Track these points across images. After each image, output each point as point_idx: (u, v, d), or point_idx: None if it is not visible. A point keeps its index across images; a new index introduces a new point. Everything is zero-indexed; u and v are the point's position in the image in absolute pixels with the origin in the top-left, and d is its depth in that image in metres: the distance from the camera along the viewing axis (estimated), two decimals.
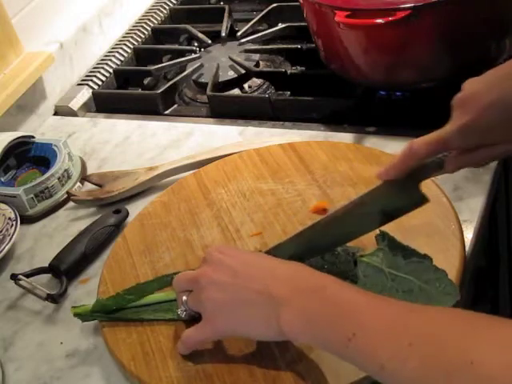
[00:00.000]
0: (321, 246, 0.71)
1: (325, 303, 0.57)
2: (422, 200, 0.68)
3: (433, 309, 0.55)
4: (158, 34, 1.34)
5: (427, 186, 0.79)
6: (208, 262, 0.66)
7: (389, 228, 0.72)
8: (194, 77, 1.16)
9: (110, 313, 0.73)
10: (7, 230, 0.88)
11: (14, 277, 0.82)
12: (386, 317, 0.53)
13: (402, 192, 0.68)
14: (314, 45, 1.03)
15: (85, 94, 1.18)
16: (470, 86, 0.65)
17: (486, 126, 0.63)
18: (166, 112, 1.13)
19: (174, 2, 1.41)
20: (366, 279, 0.68)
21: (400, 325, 0.52)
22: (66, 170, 0.97)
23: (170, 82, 1.15)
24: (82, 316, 0.74)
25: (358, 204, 0.69)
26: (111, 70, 1.24)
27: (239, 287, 0.62)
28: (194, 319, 0.67)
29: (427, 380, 0.48)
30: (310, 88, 1.06)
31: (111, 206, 0.92)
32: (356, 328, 0.54)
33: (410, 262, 0.68)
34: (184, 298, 0.67)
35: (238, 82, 1.13)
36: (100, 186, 0.96)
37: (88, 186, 0.98)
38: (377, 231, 0.72)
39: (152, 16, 1.36)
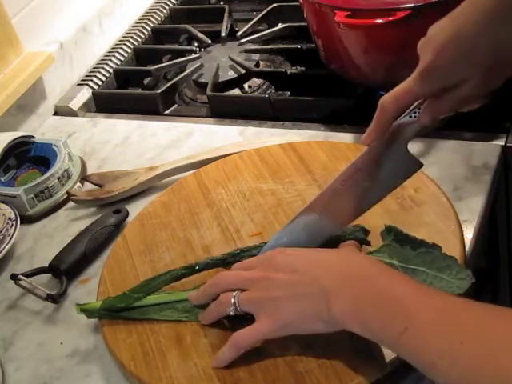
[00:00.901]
0: (325, 228, 0.70)
1: (376, 294, 0.57)
2: (415, 163, 0.68)
3: (484, 307, 0.54)
4: (158, 34, 1.34)
5: (427, 186, 0.79)
6: (262, 262, 0.66)
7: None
8: (194, 77, 1.16)
9: (117, 312, 0.73)
10: (7, 230, 0.88)
11: (13, 277, 0.82)
12: (438, 312, 0.53)
13: (390, 157, 0.68)
14: (314, 45, 1.03)
15: (85, 94, 1.18)
16: (431, 29, 0.65)
17: (444, 66, 0.62)
18: (166, 112, 1.13)
19: (174, 1, 1.41)
20: None
21: (452, 321, 0.52)
22: (66, 170, 0.97)
23: (170, 82, 1.15)
24: (90, 312, 0.74)
25: (353, 172, 0.69)
26: (111, 70, 1.24)
27: (291, 282, 0.62)
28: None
29: (476, 381, 0.48)
30: (310, 88, 1.06)
31: (111, 205, 0.92)
32: (408, 322, 0.53)
33: (419, 252, 0.68)
34: (234, 298, 0.65)
35: (238, 82, 1.13)
36: (100, 185, 0.96)
37: (88, 185, 0.98)
38: (382, 227, 0.72)
39: (152, 16, 1.36)
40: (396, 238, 0.70)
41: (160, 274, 0.75)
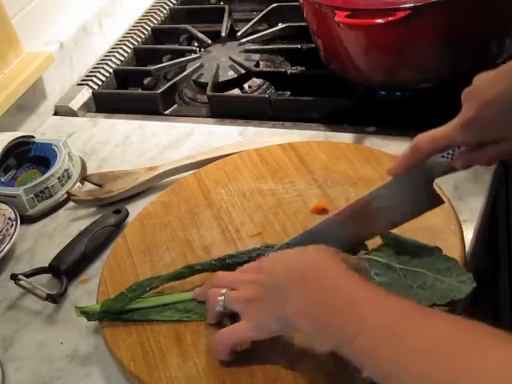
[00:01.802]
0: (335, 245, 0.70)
1: (331, 296, 0.57)
2: (437, 200, 0.68)
3: (436, 314, 0.54)
4: (158, 34, 1.34)
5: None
6: (260, 267, 0.66)
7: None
8: (194, 77, 1.16)
9: (118, 314, 0.73)
10: (7, 230, 0.88)
11: (14, 277, 0.82)
12: (394, 320, 0.52)
13: (414, 190, 0.68)
14: (314, 45, 1.03)
15: (85, 94, 1.18)
16: (478, 79, 0.64)
17: (488, 121, 0.62)
18: (166, 112, 1.13)
19: (174, 1, 1.41)
20: (377, 277, 0.68)
21: (408, 331, 0.51)
22: (66, 170, 0.97)
23: (170, 82, 1.15)
24: (89, 315, 0.74)
25: (371, 199, 0.69)
26: (111, 70, 1.24)
27: (265, 282, 0.63)
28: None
29: None
30: (310, 88, 1.06)
31: (111, 205, 0.92)
32: (361, 327, 0.53)
33: (419, 255, 0.68)
34: (222, 296, 0.66)
35: (238, 82, 1.13)
36: (100, 186, 0.96)
37: (88, 185, 0.98)
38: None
39: (152, 16, 1.36)
40: (396, 241, 0.70)
41: (159, 276, 0.75)
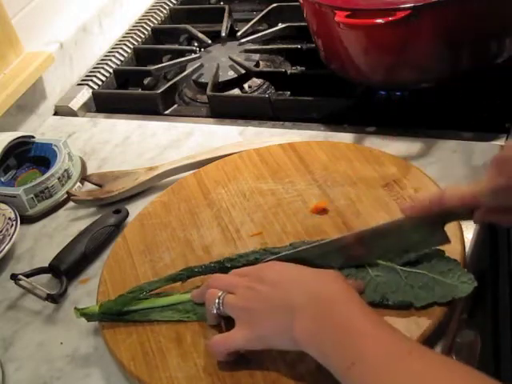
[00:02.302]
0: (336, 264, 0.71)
1: (335, 322, 0.58)
2: (444, 241, 0.68)
3: (433, 356, 0.55)
4: (158, 34, 1.34)
5: (427, 186, 0.79)
6: (253, 273, 0.66)
7: None
8: (194, 77, 1.16)
9: (118, 315, 0.73)
10: (7, 229, 0.88)
11: (14, 277, 0.82)
12: (388, 353, 0.54)
13: (425, 229, 0.68)
14: (314, 45, 1.03)
15: (85, 94, 1.18)
16: (510, 148, 0.65)
17: None
18: (166, 112, 1.13)
19: (174, 1, 1.41)
20: (378, 279, 0.68)
21: (397, 368, 0.53)
22: (66, 170, 0.97)
23: (170, 82, 1.15)
24: (89, 316, 0.74)
25: (379, 232, 0.69)
26: (111, 70, 1.24)
27: (268, 296, 0.63)
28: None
29: None
30: (310, 88, 1.06)
31: (111, 205, 0.92)
32: (355, 358, 0.55)
33: (421, 256, 0.68)
34: (218, 298, 0.66)
35: (238, 82, 1.13)
36: (100, 186, 0.96)
37: (88, 185, 0.98)
38: None
39: (152, 16, 1.36)
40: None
41: (158, 279, 0.75)
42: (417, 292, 0.65)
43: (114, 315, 0.73)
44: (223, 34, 1.26)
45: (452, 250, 0.70)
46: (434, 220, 0.67)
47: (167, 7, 1.39)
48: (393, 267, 0.68)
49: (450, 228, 0.72)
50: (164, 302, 0.73)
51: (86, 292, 0.82)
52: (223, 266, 0.74)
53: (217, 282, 0.69)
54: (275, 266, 0.68)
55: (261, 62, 1.18)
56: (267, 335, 0.62)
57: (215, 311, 0.66)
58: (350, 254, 0.70)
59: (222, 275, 0.70)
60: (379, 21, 0.84)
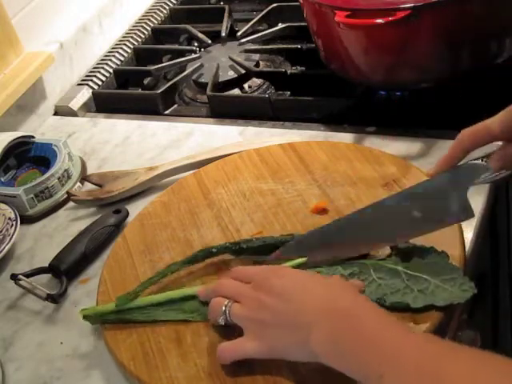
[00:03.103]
0: (355, 241, 0.71)
1: (356, 335, 0.57)
2: (468, 211, 0.67)
3: (466, 353, 0.53)
4: (158, 34, 1.34)
5: None
6: (257, 280, 0.65)
7: None
8: (194, 77, 1.16)
9: (120, 314, 0.73)
10: (7, 229, 0.88)
11: (14, 277, 0.82)
12: (417, 360, 0.53)
13: (449, 196, 0.67)
14: (314, 45, 1.03)
15: (85, 94, 1.18)
16: None
17: None
18: (166, 112, 1.13)
19: (174, 1, 1.41)
20: (380, 281, 0.68)
21: (434, 369, 0.51)
22: (66, 170, 0.98)
23: (170, 82, 1.15)
24: (93, 319, 0.74)
25: (404, 197, 0.69)
26: (111, 70, 1.24)
27: (279, 310, 0.62)
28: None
29: None
30: (310, 88, 1.06)
31: (111, 205, 0.92)
32: (385, 368, 0.53)
33: (425, 262, 0.68)
34: (225, 307, 0.65)
35: (238, 82, 1.13)
36: (100, 186, 0.96)
37: (88, 185, 0.98)
38: None
39: (152, 16, 1.36)
40: (404, 246, 0.70)
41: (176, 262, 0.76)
42: (415, 295, 0.65)
43: (119, 315, 0.72)
44: (223, 34, 1.26)
45: (452, 250, 0.70)
46: (457, 183, 0.66)
47: (167, 7, 1.39)
48: (396, 270, 0.68)
49: (450, 229, 0.73)
50: (169, 296, 0.73)
51: (86, 292, 0.82)
52: (239, 248, 0.75)
53: (222, 289, 0.68)
54: (282, 273, 0.67)
55: (261, 62, 1.18)
56: (280, 348, 0.62)
57: (222, 322, 0.66)
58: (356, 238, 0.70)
59: (229, 282, 0.69)
60: (379, 21, 0.84)
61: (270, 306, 0.62)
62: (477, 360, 0.52)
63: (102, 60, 1.26)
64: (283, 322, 0.61)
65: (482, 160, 0.67)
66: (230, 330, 0.67)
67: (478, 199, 0.80)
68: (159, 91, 1.13)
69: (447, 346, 0.55)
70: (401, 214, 0.69)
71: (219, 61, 1.17)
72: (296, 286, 0.64)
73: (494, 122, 0.65)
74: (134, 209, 0.91)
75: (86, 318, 0.74)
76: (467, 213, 0.67)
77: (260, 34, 1.22)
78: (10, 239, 0.87)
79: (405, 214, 0.69)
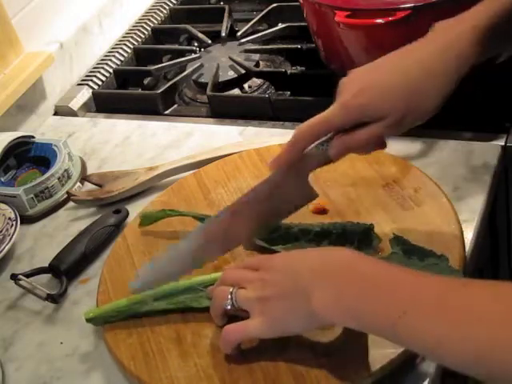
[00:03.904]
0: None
1: (364, 281, 0.57)
2: (312, 194, 0.71)
3: (484, 284, 0.53)
4: (158, 34, 1.34)
5: (427, 186, 0.79)
6: (266, 265, 0.65)
7: (390, 229, 0.72)
8: (194, 77, 1.16)
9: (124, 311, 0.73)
10: (7, 229, 0.88)
11: (14, 277, 0.82)
12: (437, 291, 0.53)
13: (291, 183, 0.70)
14: (314, 45, 1.03)
15: (85, 94, 1.18)
16: (347, 76, 0.70)
17: (360, 103, 0.66)
18: (166, 112, 1.13)
19: (174, 1, 1.41)
20: None
21: (456, 301, 0.51)
22: (66, 170, 0.98)
23: (170, 82, 1.15)
24: (96, 320, 0.74)
25: (253, 195, 0.71)
26: (111, 70, 1.24)
27: (277, 281, 0.62)
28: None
29: (493, 357, 0.48)
30: (310, 88, 1.06)
31: (111, 205, 0.92)
32: (406, 305, 0.53)
33: (425, 264, 0.68)
34: (231, 294, 0.65)
35: (238, 82, 1.13)
36: (100, 186, 0.96)
37: (88, 185, 0.98)
38: (382, 227, 0.72)
39: (152, 16, 1.36)
40: (403, 247, 0.70)
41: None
42: None
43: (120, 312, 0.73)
44: (223, 34, 1.26)
45: (452, 250, 0.70)
46: (297, 172, 0.69)
47: (167, 7, 1.39)
48: None
49: (450, 229, 0.73)
50: (195, 281, 0.73)
51: (86, 292, 0.82)
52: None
53: (227, 278, 0.68)
54: (286, 254, 0.68)
55: (261, 62, 1.18)
56: (284, 320, 0.61)
57: (229, 307, 0.65)
58: (228, 231, 0.71)
59: (231, 270, 0.69)
60: (379, 21, 0.84)
61: (271, 281, 0.63)
62: (499, 289, 0.51)
63: (102, 60, 1.26)
64: (283, 293, 0.61)
65: (320, 146, 0.69)
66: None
67: (478, 199, 0.80)
68: (159, 91, 1.13)
69: (464, 280, 0.55)
70: (252, 210, 0.72)
71: (219, 61, 1.17)
72: (293, 258, 0.65)
73: (331, 113, 0.68)
74: (134, 209, 0.91)
75: (89, 320, 0.74)
76: (311, 195, 0.72)
77: (260, 34, 1.22)
78: (10, 239, 0.87)
79: (255, 209, 0.72)
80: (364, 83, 0.67)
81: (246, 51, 1.19)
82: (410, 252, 0.69)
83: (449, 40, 0.68)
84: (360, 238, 0.73)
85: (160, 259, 0.74)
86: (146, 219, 0.84)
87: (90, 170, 1.01)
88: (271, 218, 0.73)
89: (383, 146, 0.70)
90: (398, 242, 0.70)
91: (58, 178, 0.96)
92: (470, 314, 0.50)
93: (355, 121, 0.67)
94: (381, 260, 0.60)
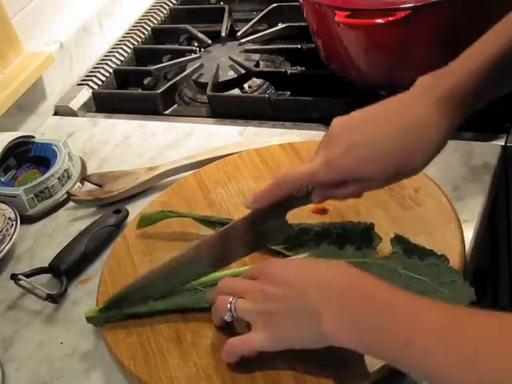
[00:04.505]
0: (188, 274, 0.73)
1: (371, 306, 0.56)
2: (288, 229, 0.71)
3: (488, 313, 0.53)
4: (158, 34, 1.34)
5: (427, 186, 0.79)
6: (265, 275, 0.65)
7: (390, 229, 0.72)
8: (194, 77, 1.16)
9: (123, 308, 0.73)
10: (7, 230, 0.88)
11: (14, 277, 0.82)
12: (442, 320, 0.53)
13: (269, 220, 0.70)
14: (314, 45, 1.03)
15: (85, 94, 1.18)
16: (337, 126, 0.69)
17: (351, 164, 0.65)
18: (166, 112, 1.13)
19: (174, 1, 1.41)
20: None
21: (461, 330, 0.51)
22: (66, 170, 0.98)
23: (170, 82, 1.15)
24: (96, 321, 0.74)
25: (228, 230, 0.72)
26: (111, 70, 1.24)
27: (283, 297, 0.61)
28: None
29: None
30: (310, 88, 1.06)
31: (111, 205, 0.92)
32: (412, 333, 0.53)
33: (426, 263, 0.68)
34: (230, 304, 0.65)
35: (238, 82, 1.13)
36: (100, 186, 0.96)
37: (88, 185, 0.98)
38: (382, 227, 0.72)
39: (152, 16, 1.36)
40: (404, 247, 0.70)
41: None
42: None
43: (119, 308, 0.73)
44: (223, 34, 1.26)
45: (452, 250, 0.70)
46: (277, 209, 0.69)
47: (167, 7, 1.39)
48: (395, 270, 0.68)
49: (450, 229, 0.73)
50: (218, 275, 0.73)
51: (86, 292, 0.82)
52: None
53: (225, 287, 0.67)
54: (284, 263, 0.67)
55: (261, 62, 1.18)
56: (288, 336, 0.61)
57: (229, 318, 0.65)
58: (217, 255, 0.72)
59: (230, 279, 0.69)
60: (379, 21, 0.84)
61: (275, 296, 0.62)
62: (505, 320, 0.51)
63: (102, 60, 1.26)
64: (290, 309, 0.61)
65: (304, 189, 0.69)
66: (231, 330, 0.67)
67: (477, 199, 0.80)
68: (159, 91, 1.13)
69: (467, 309, 0.54)
70: (228, 243, 0.73)
71: (219, 61, 1.17)
72: (298, 272, 0.63)
73: (316, 170, 0.66)
74: (134, 209, 0.91)
75: (90, 321, 0.74)
76: (289, 230, 0.72)
77: (260, 34, 1.22)
78: (10, 239, 0.87)
79: (231, 242, 0.73)
80: (354, 139, 0.65)
81: (246, 51, 1.19)
82: (410, 251, 0.69)
83: (442, 92, 0.66)
84: (360, 237, 0.73)
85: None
86: (145, 221, 0.83)
87: (90, 170, 1.01)
88: (242, 252, 0.73)
89: (359, 196, 0.70)
90: (398, 242, 0.70)
91: (58, 178, 0.96)
92: (474, 345, 0.50)
93: (340, 180, 0.66)
94: (388, 284, 0.59)
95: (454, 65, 0.67)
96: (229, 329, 0.68)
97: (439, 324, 0.52)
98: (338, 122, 0.69)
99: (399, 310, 0.55)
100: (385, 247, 0.72)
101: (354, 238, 0.73)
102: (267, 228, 0.71)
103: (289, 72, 1.10)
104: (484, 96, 0.67)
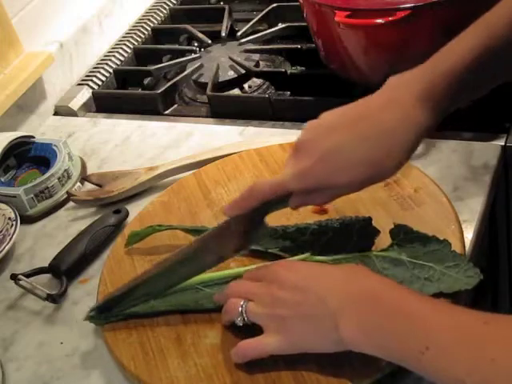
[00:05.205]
0: (175, 279, 0.73)
1: (389, 312, 0.56)
2: (264, 229, 0.71)
3: (505, 318, 0.52)
4: (158, 34, 1.34)
5: (427, 186, 0.79)
6: (272, 278, 0.65)
7: (389, 228, 0.72)
8: (194, 77, 1.16)
9: (123, 308, 0.73)
10: (7, 230, 0.88)
11: (13, 277, 0.82)
12: (460, 328, 0.52)
13: (248, 225, 0.70)
14: (313, 45, 1.03)
15: (85, 94, 1.18)
16: (309, 131, 0.67)
17: (318, 173, 0.65)
18: (166, 112, 1.13)
19: (174, 1, 1.41)
20: (385, 271, 0.68)
21: (478, 337, 0.51)
22: (65, 170, 0.97)
23: (170, 82, 1.15)
24: (97, 320, 0.74)
25: (209, 237, 0.72)
26: (111, 70, 1.24)
27: (296, 302, 0.61)
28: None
29: None
30: (310, 88, 1.06)
31: (111, 205, 0.92)
32: (429, 341, 0.53)
33: (428, 250, 0.68)
34: (241, 307, 0.65)
35: (237, 82, 1.13)
36: (100, 186, 0.96)
37: (88, 185, 0.98)
38: (382, 227, 0.72)
39: (152, 16, 1.36)
40: (405, 235, 0.70)
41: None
42: (423, 283, 0.65)
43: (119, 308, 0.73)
44: (223, 34, 1.26)
45: None
46: (254, 215, 0.69)
47: (167, 7, 1.39)
48: (400, 259, 0.68)
49: (450, 229, 0.73)
50: (225, 274, 0.73)
51: (86, 292, 0.82)
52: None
53: (234, 290, 0.67)
54: (289, 266, 0.67)
55: (261, 62, 1.18)
56: (303, 341, 0.61)
57: (241, 322, 0.65)
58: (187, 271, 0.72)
59: (239, 283, 0.69)
60: (379, 21, 0.84)
61: (285, 300, 0.62)
62: None
63: (102, 60, 1.26)
64: (304, 314, 0.60)
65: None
66: (234, 331, 0.67)
67: (477, 199, 0.80)
68: (159, 91, 1.13)
69: (486, 316, 0.53)
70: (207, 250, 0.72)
71: (219, 61, 1.17)
72: (309, 276, 0.63)
73: (289, 180, 0.66)
74: (134, 209, 0.91)
75: (90, 319, 0.74)
76: (264, 230, 0.71)
77: (260, 34, 1.22)
78: (10, 239, 0.87)
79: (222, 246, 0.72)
80: (322, 148, 0.64)
81: (246, 51, 1.19)
82: (411, 240, 0.69)
83: (412, 94, 0.64)
84: (359, 231, 0.73)
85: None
86: (133, 237, 0.82)
87: (90, 170, 1.01)
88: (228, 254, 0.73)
89: (331, 200, 0.70)
90: (399, 231, 0.70)
91: (58, 178, 0.96)
92: (491, 354, 0.49)
93: (312, 189, 0.66)
94: (406, 288, 0.59)
95: (424, 66, 0.66)
96: (232, 330, 0.68)
97: (456, 332, 0.52)
98: (308, 127, 0.68)
99: (416, 316, 0.55)
100: (384, 244, 0.72)
101: (352, 234, 0.73)
102: (247, 230, 0.70)
103: (289, 72, 1.10)
104: (458, 98, 0.66)
